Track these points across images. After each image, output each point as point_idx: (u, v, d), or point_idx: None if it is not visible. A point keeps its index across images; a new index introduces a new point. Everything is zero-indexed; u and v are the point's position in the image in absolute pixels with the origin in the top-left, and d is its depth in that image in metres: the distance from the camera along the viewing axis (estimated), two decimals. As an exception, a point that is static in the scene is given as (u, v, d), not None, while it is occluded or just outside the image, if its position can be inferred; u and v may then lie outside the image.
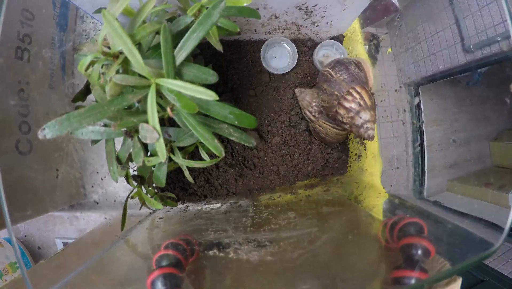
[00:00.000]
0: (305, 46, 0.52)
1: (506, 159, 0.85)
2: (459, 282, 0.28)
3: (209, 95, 0.22)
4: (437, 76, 0.85)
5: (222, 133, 0.28)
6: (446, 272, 0.25)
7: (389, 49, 0.68)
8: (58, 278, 0.29)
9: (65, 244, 0.55)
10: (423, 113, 0.74)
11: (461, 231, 0.33)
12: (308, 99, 0.49)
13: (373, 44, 0.69)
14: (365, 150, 0.51)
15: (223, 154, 0.27)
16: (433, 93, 0.96)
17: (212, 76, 0.26)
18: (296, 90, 0.50)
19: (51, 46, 0.47)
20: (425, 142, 0.76)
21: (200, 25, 0.25)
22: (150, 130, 0.24)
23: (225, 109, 0.26)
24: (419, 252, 0.28)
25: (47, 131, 0.23)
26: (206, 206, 0.46)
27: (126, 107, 0.30)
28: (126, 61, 0.25)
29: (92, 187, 0.47)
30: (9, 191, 0.34)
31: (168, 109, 0.27)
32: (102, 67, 0.29)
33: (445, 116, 0.96)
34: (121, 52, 0.25)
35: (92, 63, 0.26)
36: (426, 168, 0.75)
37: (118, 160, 0.33)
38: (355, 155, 0.53)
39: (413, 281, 0.26)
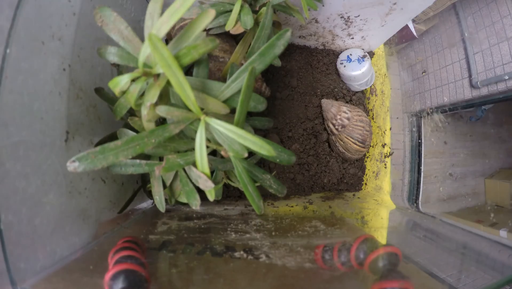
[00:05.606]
0: (336, 57, 0.52)
1: (500, 197, 0.87)
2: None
3: (267, 151, 0.20)
4: (441, 109, 0.87)
5: (263, 184, 0.27)
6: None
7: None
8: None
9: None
10: (423, 145, 0.74)
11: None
12: (333, 111, 0.48)
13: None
14: (385, 167, 0.50)
15: (262, 212, 0.26)
16: (435, 126, 0.97)
17: (261, 104, 0.26)
18: (323, 100, 0.49)
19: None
20: (422, 173, 0.76)
21: (261, 56, 0.22)
22: (204, 179, 0.22)
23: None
24: (391, 260, 0.28)
25: (78, 164, 0.19)
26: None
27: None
28: (168, 82, 0.22)
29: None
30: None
31: (223, 153, 0.24)
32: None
33: (444, 150, 0.97)
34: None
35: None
36: (420, 200, 0.75)
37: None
38: (373, 172, 0.52)
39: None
